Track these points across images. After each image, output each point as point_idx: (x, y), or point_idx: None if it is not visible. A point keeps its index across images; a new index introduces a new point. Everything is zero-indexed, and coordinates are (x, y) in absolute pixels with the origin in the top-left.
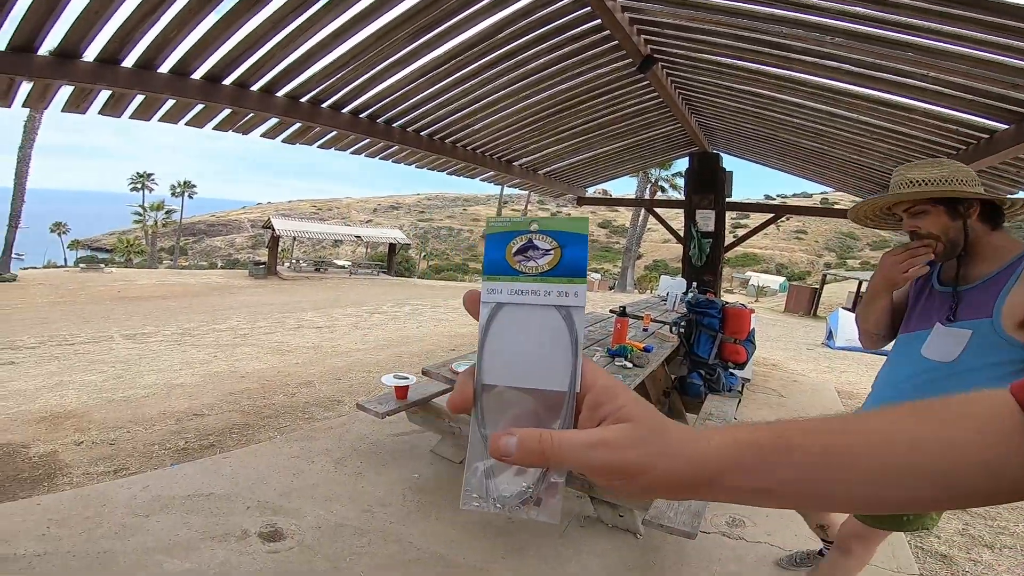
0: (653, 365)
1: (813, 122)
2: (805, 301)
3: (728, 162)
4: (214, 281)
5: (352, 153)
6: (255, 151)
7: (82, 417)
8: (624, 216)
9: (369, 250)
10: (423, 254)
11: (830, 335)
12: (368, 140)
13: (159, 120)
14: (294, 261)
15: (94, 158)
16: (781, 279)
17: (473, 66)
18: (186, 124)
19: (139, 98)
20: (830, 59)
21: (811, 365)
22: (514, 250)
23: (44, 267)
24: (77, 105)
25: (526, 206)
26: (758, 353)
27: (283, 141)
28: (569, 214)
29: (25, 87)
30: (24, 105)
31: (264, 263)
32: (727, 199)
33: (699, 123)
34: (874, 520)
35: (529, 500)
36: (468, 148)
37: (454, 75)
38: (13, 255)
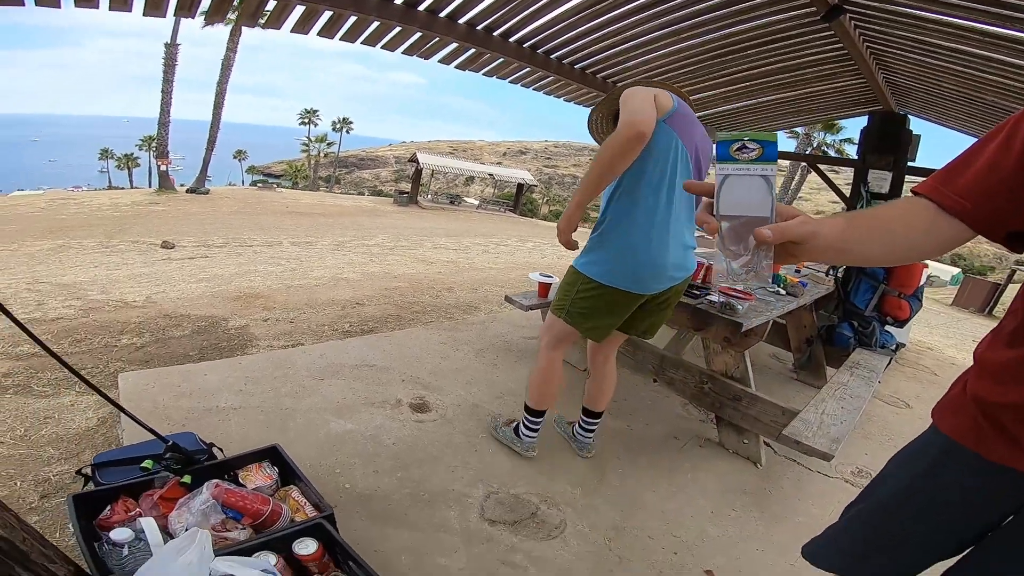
0: (805, 299)
1: None
2: (981, 297)
3: (915, 125)
4: (364, 204)
5: (511, 82)
6: (399, 94)
7: (268, 298)
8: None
9: (497, 190)
10: (545, 198)
11: None
12: (528, 69)
13: (362, 42)
14: (432, 194)
15: (269, 96)
16: (955, 270)
17: (638, 2)
18: (382, 47)
19: (352, 19)
20: None
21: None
22: (734, 148)
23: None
24: (303, 26)
25: None
26: (912, 335)
27: (456, 67)
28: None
29: (271, 4)
30: (264, 25)
31: (407, 192)
32: (909, 164)
33: (886, 79)
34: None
35: (751, 273)
36: (619, 85)
37: (617, 10)
38: (207, 175)
